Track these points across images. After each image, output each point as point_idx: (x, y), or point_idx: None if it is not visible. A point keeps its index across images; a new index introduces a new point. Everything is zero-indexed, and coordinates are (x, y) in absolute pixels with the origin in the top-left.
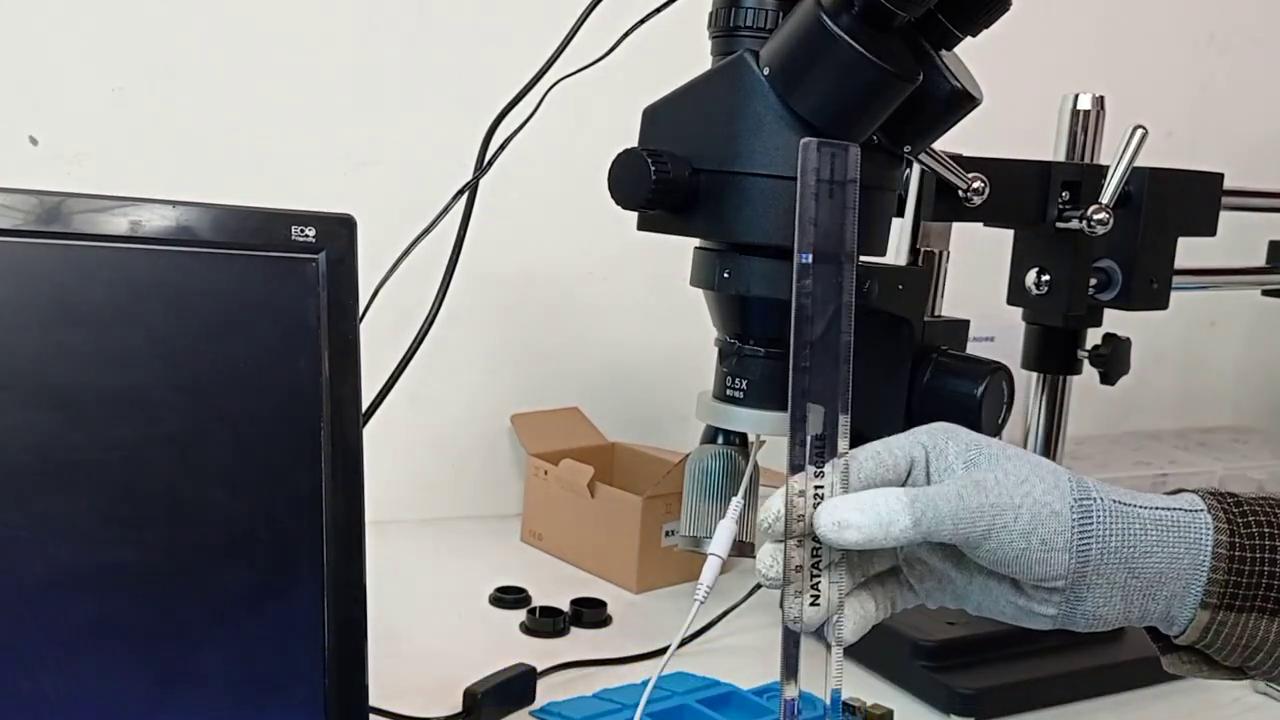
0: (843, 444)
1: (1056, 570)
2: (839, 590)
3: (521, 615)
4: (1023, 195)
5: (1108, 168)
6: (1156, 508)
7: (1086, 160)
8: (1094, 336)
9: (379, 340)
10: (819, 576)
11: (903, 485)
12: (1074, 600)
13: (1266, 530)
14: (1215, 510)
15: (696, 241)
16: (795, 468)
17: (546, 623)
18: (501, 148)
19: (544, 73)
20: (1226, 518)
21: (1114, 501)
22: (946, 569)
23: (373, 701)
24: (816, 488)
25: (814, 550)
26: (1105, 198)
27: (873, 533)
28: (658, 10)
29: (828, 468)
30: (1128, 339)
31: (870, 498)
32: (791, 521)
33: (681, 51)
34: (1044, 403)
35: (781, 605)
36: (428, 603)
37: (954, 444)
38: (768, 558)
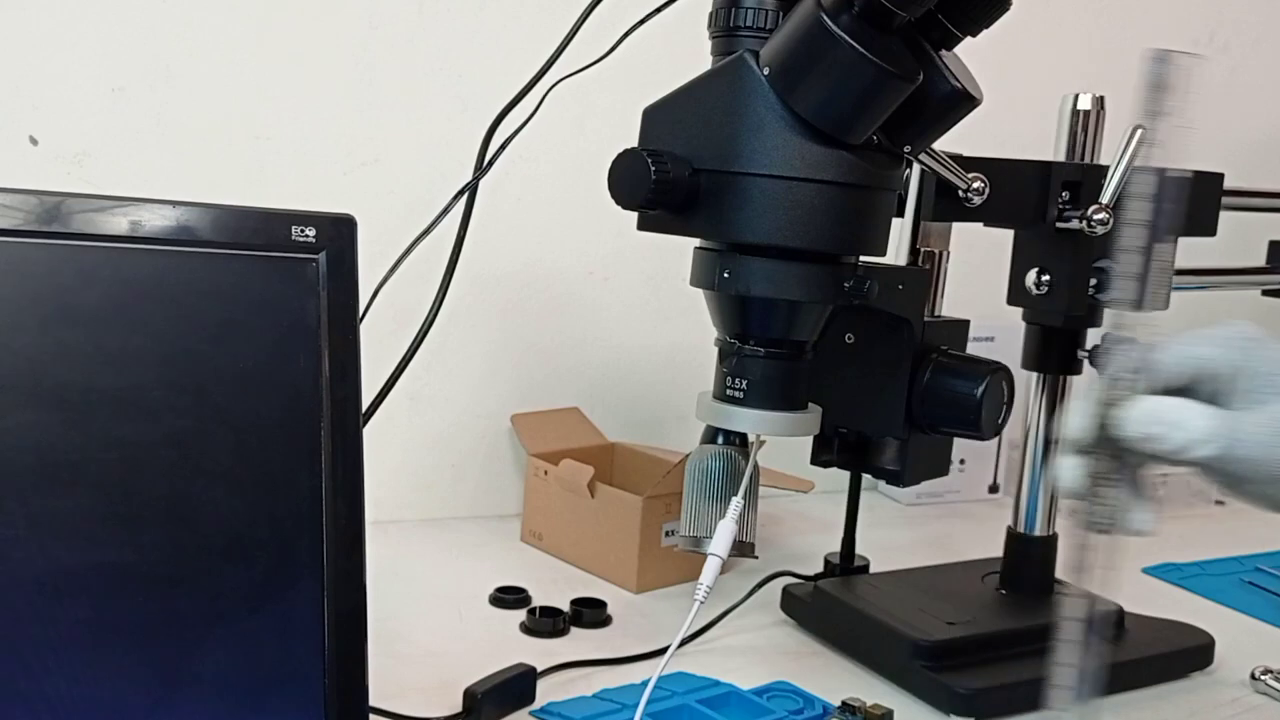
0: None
1: None
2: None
3: (521, 615)
4: (1023, 195)
5: (1108, 168)
6: None
7: (1086, 160)
8: (1094, 336)
9: (379, 340)
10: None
11: (1179, 390)
12: None
13: None
14: None
15: (696, 241)
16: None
17: (546, 623)
18: (501, 148)
19: (544, 73)
20: None
21: None
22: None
23: (373, 701)
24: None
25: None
26: (1105, 198)
27: (1172, 450)
28: (658, 10)
29: (1130, 368)
30: None
31: (1181, 414)
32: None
33: (681, 51)
34: (1044, 403)
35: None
36: (428, 603)
37: (1264, 361)
38: (1070, 469)
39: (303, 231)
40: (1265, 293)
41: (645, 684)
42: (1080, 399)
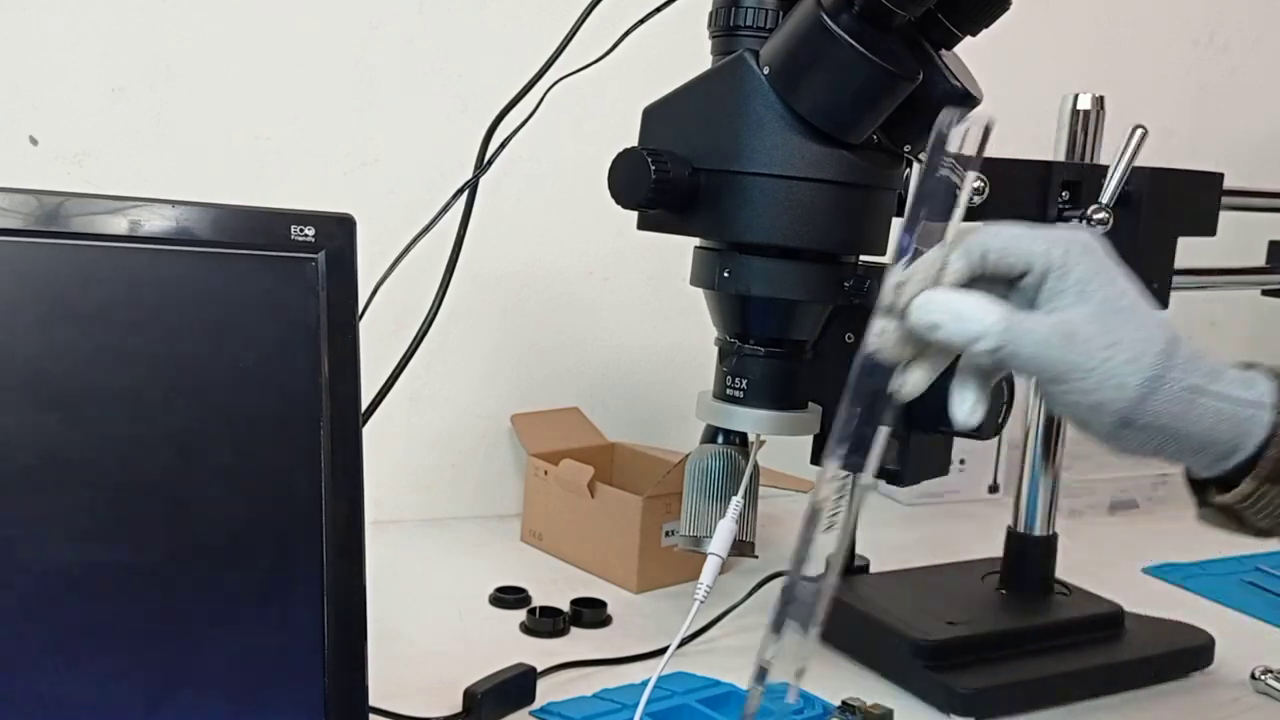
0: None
1: (1102, 427)
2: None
3: (521, 615)
4: (1023, 195)
5: (1108, 168)
6: (1223, 399)
7: (1086, 160)
8: None
9: (379, 340)
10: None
11: (1012, 281)
12: (1120, 438)
13: None
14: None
15: (696, 241)
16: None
17: (546, 623)
18: (501, 147)
19: (544, 73)
20: None
21: (1183, 389)
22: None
23: (373, 701)
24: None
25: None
26: (1105, 198)
27: (956, 342)
28: (658, 10)
29: (952, 252)
30: None
31: (971, 307)
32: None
33: (681, 51)
34: (1044, 402)
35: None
36: (428, 603)
37: (1080, 267)
38: (876, 331)
39: (302, 231)
40: (1265, 292)
41: (645, 684)
42: (896, 269)
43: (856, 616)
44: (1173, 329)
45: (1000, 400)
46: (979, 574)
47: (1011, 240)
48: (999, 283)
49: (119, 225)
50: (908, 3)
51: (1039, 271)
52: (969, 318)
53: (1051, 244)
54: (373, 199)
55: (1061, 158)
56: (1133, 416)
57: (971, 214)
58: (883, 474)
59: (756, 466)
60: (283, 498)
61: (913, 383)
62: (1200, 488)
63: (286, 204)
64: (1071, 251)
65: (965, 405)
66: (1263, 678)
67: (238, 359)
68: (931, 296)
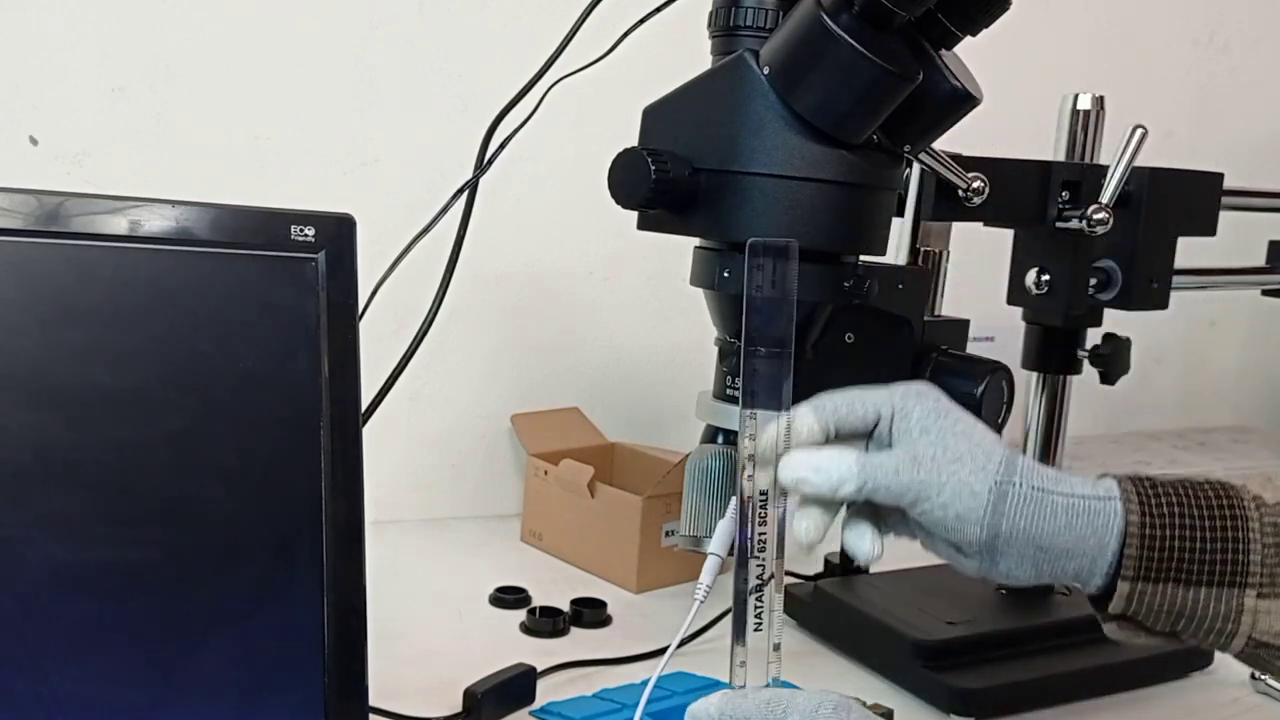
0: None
1: (970, 538)
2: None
3: (521, 615)
4: (1023, 195)
5: (1108, 168)
6: (1072, 496)
7: (1086, 160)
8: (1094, 336)
9: (379, 340)
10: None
11: (870, 433)
12: (990, 561)
13: (1177, 510)
14: (1130, 494)
15: (696, 241)
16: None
17: (546, 623)
18: (501, 147)
19: (544, 73)
20: (1140, 500)
21: (1032, 488)
22: (898, 514)
23: (373, 701)
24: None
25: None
26: (1105, 197)
27: (824, 490)
28: (658, 10)
29: (797, 414)
30: (1128, 339)
31: (826, 460)
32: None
33: (681, 51)
34: (1044, 403)
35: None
36: (428, 603)
37: (919, 409)
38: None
39: (302, 231)
40: (1265, 293)
41: (645, 684)
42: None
43: (856, 616)
44: (1010, 447)
45: (1000, 400)
46: None
47: (856, 396)
48: (858, 437)
49: (119, 225)
50: (908, 3)
51: (886, 417)
52: (827, 469)
53: (891, 392)
54: (373, 199)
55: (1061, 158)
56: (994, 524)
57: (971, 213)
58: None
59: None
60: (283, 498)
61: (813, 529)
62: (1099, 606)
63: (286, 204)
64: (909, 397)
65: (864, 545)
66: (1262, 678)
67: (238, 359)
68: (791, 457)
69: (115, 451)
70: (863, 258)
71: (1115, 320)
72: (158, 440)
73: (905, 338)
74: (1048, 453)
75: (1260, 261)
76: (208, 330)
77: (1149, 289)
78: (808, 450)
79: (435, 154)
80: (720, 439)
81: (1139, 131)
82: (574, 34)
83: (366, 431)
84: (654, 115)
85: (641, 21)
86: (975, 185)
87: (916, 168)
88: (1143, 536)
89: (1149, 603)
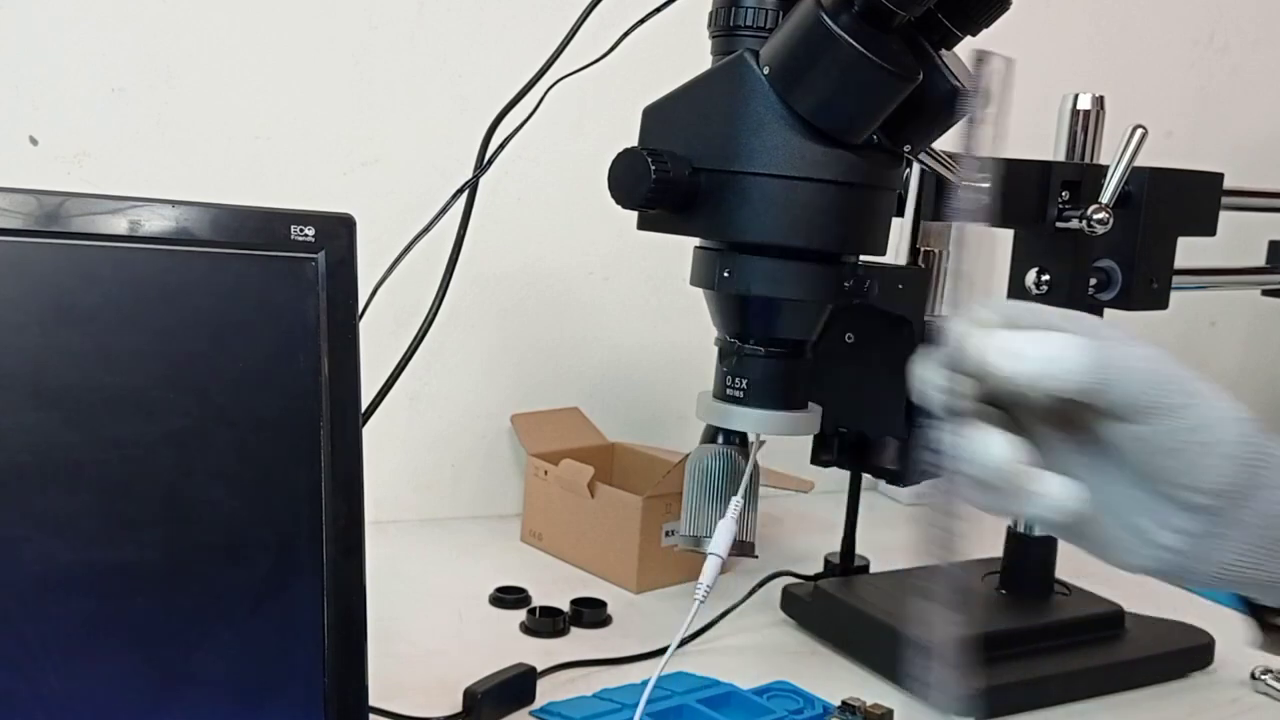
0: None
1: (1214, 478)
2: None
3: (521, 615)
4: (1023, 195)
5: (1108, 168)
6: None
7: (1086, 160)
8: None
9: (379, 340)
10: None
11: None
12: (1212, 533)
13: None
14: None
15: (696, 241)
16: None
17: (546, 623)
18: (501, 147)
19: (544, 73)
20: None
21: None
22: (1082, 460)
23: (373, 701)
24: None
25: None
26: (1105, 197)
27: (1046, 367)
28: (658, 10)
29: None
30: None
31: (1045, 335)
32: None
33: (681, 51)
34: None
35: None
36: (428, 603)
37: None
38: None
39: (302, 231)
40: (1265, 293)
41: (645, 684)
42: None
43: (856, 616)
44: None
45: None
46: (979, 574)
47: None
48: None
49: (119, 225)
50: (908, 3)
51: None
52: (1051, 341)
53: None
54: (373, 199)
55: (1061, 158)
56: (1255, 461)
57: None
58: (883, 474)
59: (756, 466)
60: (283, 498)
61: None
62: (1257, 609)
63: (286, 204)
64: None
65: (1053, 485)
66: (1263, 678)
67: (238, 359)
68: (1002, 333)
69: (115, 451)
70: (863, 258)
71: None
72: (158, 440)
73: (905, 338)
74: None
75: (1260, 261)
76: (208, 330)
77: (1149, 289)
78: (1012, 331)
79: (435, 154)
80: (720, 439)
81: (1139, 131)
82: (574, 34)
83: (366, 431)
84: (654, 115)
85: (641, 21)
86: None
87: (916, 168)
88: None
89: None
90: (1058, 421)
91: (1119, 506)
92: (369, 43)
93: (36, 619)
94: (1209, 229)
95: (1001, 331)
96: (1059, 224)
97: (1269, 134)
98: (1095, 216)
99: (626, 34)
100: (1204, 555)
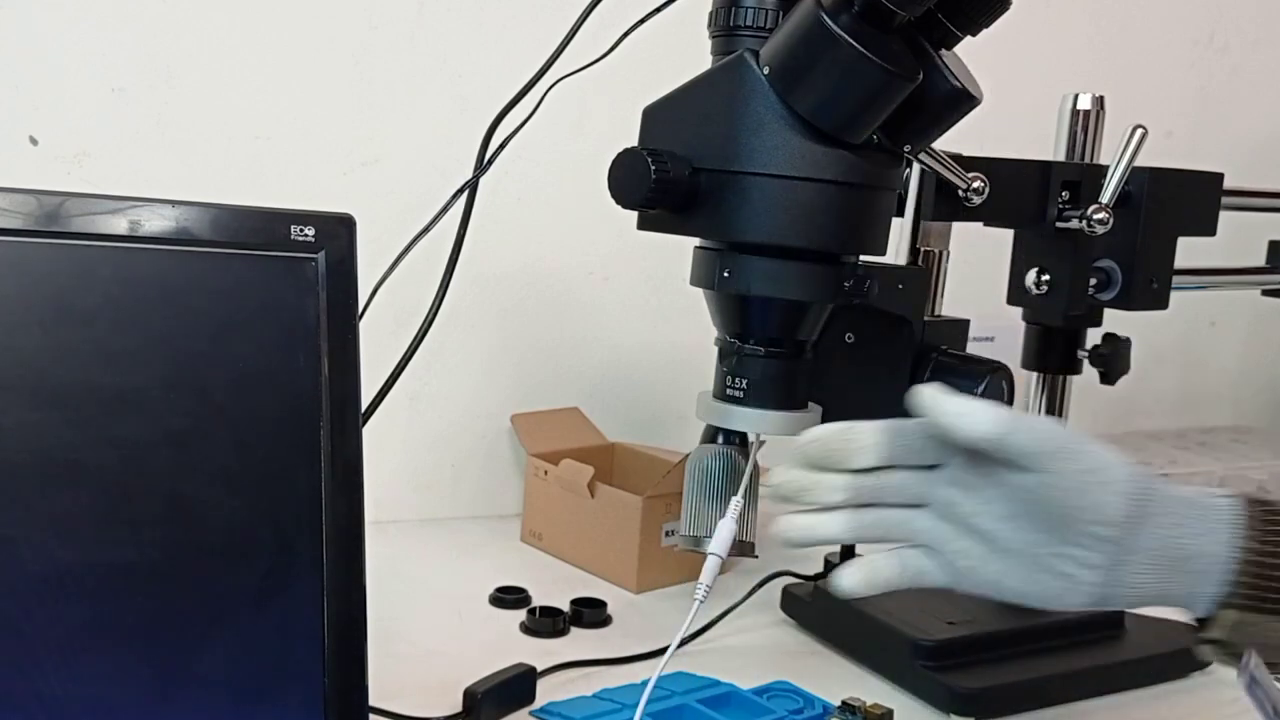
0: None
1: (1112, 511)
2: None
3: (521, 615)
4: (1023, 195)
5: (1108, 168)
6: (1195, 501)
7: (1086, 160)
8: (1094, 336)
9: (379, 340)
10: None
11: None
12: (1118, 560)
13: None
14: (1243, 509)
15: (696, 241)
16: None
17: (546, 623)
18: (501, 147)
19: (544, 73)
20: (1250, 519)
21: (1160, 476)
22: (990, 513)
23: (373, 701)
24: None
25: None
26: (1105, 197)
27: (957, 421)
28: (658, 10)
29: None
30: (1128, 339)
31: (971, 399)
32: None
33: (681, 51)
34: (1044, 403)
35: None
36: (428, 603)
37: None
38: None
39: (302, 231)
40: (1265, 293)
41: (645, 684)
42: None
43: (856, 616)
44: None
45: (1000, 400)
46: None
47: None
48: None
49: (119, 225)
50: (908, 3)
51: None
52: (971, 410)
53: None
54: (373, 199)
55: (1061, 158)
56: (1142, 496)
57: (971, 213)
58: None
59: (756, 466)
60: (283, 498)
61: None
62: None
63: (286, 204)
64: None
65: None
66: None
67: (238, 359)
68: (945, 397)
69: (115, 451)
70: (863, 258)
71: (1115, 320)
72: (158, 440)
73: (905, 338)
74: None
75: (1260, 261)
76: (208, 330)
77: (1149, 289)
78: (946, 394)
79: (435, 154)
80: (720, 439)
81: (1139, 131)
82: (574, 34)
83: (366, 431)
84: (654, 115)
85: (641, 21)
86: (975, 185)
87: (916, 168)
88: (1260, 564)
89: (1252, 634)
90: (984, 483)
91: (1036, 551)
92: (369, 43)
93: (37, 619)
94: (1209, 229)
95: (941, 394)
96: (1059, 224)
97: (1269, 134)
98: (1095, 216)
99: (626, 34)
100: (1118, 580)
